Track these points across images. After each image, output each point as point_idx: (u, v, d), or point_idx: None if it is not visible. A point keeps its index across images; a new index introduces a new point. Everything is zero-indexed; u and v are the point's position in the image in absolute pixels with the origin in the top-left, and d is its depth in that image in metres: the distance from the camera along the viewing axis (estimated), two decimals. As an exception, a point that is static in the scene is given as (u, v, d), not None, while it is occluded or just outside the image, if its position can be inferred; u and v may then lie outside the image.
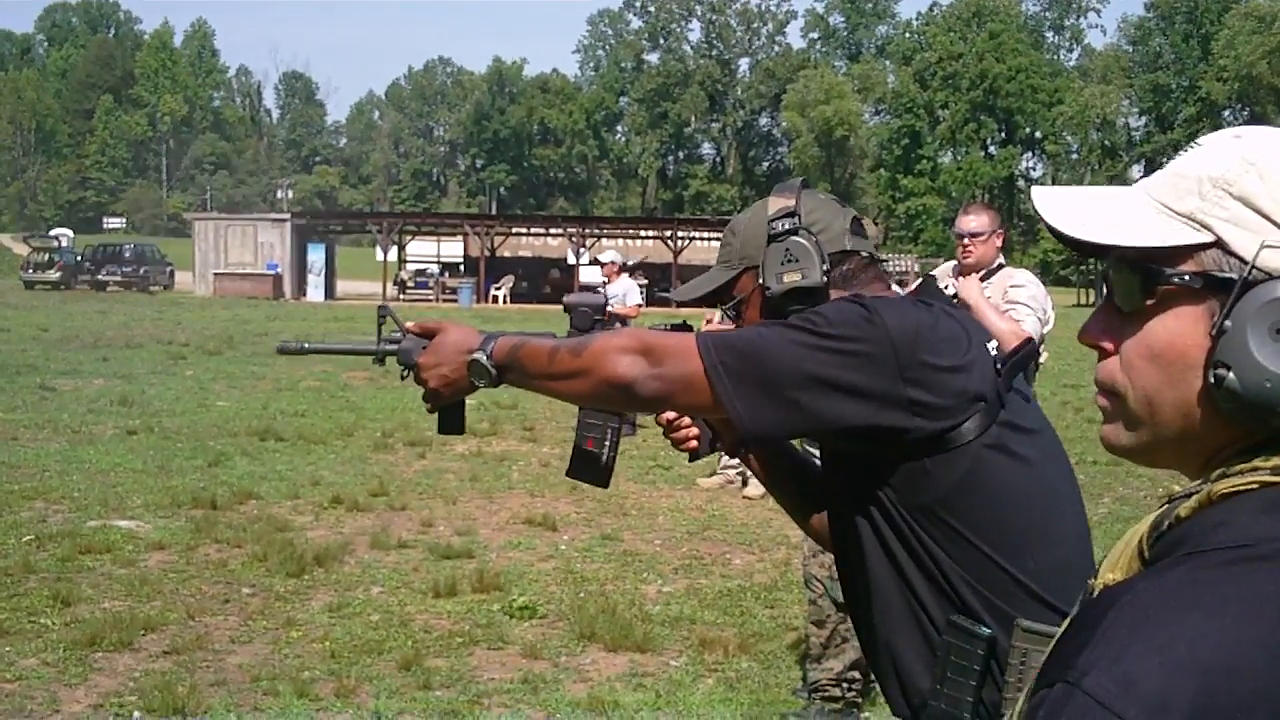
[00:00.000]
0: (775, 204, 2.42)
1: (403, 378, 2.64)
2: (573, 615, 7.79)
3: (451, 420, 2.72)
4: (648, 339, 2.22)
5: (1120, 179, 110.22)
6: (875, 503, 2.22)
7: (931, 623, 2.21)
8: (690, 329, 2.47)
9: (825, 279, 2.33)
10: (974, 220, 6.91)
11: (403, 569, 8.88)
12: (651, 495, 11.74)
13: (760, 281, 2.38)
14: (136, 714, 6.10)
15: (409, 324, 2.65)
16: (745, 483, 12.00)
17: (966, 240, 6.85)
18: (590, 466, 2.64)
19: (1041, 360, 7.28)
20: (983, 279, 6.85)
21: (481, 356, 2.42)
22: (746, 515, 10.99)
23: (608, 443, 2.56)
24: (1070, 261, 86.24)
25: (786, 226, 2.36)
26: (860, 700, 6.15)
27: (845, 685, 6.16)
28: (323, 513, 10.60)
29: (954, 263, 7.03)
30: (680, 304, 2.57)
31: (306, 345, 2.88)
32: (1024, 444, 2.25)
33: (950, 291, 6.91)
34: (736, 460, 11.34)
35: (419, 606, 8.00)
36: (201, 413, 16.17)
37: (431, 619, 7.76)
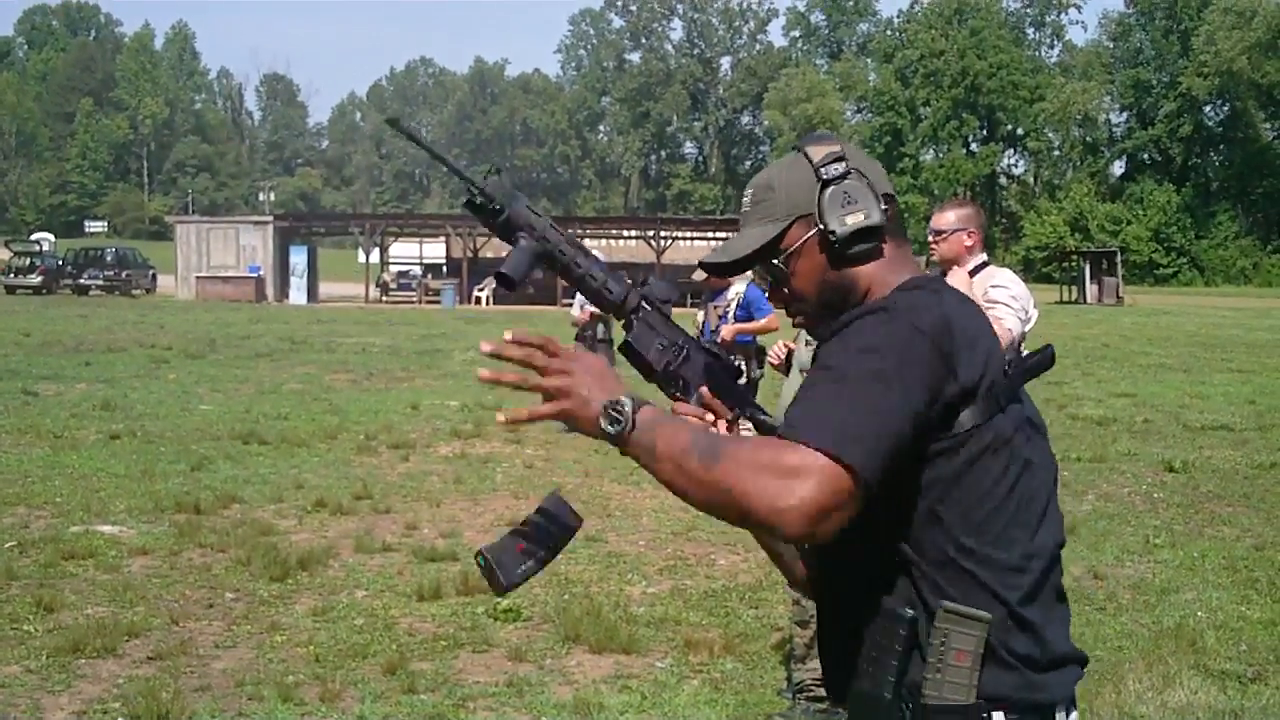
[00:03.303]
0: (819, 151, 2.38)
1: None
2: (557, 617, 7.77)
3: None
4: (782, 457, 2.08)
5: (1102, 175, 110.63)
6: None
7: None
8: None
9: (885, 217, 2.33)
10: (938, 217, 7.00)
11: (387, 572, 8.86)
12: (635, 496, 11.73)
13: (822, 226, 2.34)
14: (120, 720, 6.08)
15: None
16: (739, 376, 11.95)
17: (932, 237, 6.95)
18: (506, 567, 2.35)
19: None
20: (971, 274, 6.89)
21: (628, 405, 2.21)
22: (731, 515, 10.96)
23: (533, 563, 2.44)
24: (1052, 259, 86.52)
25: (841, 170, 2.34)
26: (845, 700, 6.14)
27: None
28: (306, 516, 10.58)
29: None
30: (711, 271, 2.50)
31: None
32: (1027, 445, 2.30)
33: None
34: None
35: (403, 610, 7.99)
36: (184, 416, 16.13)
37: (416, 622, 7.74)
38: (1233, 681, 6.73)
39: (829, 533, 2.06)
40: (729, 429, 2.50)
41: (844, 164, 2.35)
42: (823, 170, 2.35)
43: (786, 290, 2.44)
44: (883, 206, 2.34)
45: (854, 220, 2.32)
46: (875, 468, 2.06)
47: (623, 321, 2.48)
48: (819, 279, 2.39)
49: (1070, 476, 12.81)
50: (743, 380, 8.91)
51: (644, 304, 2.47)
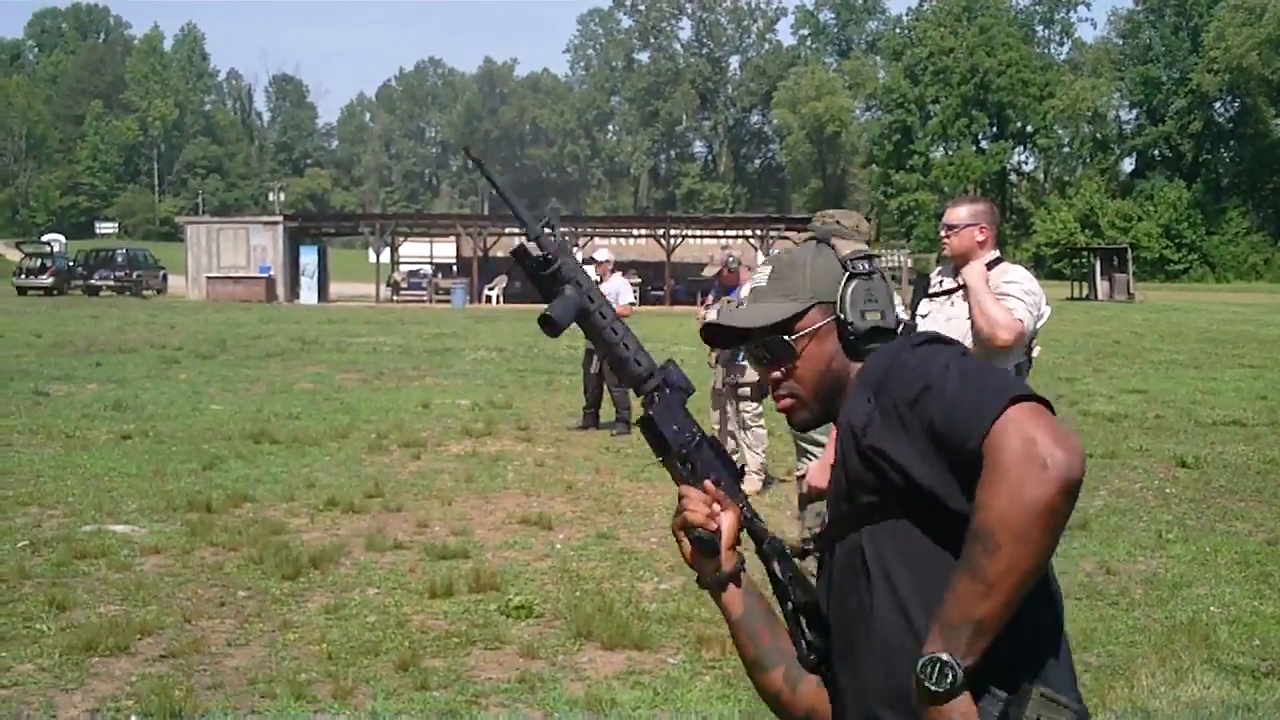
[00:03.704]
0: (846, 246, 2.49)
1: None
2: (569, 614, 7.78)
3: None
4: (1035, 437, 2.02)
5: (1112, 171, 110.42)
6: (900, 522, 2.21)
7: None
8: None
9: (898, 323, 2.43)
10: (951, 212, 7.06)
11: (399, 570, 8.87)
12: (647, 493, 11.74)
13: (840, 316, 2.41)
14: (134, 718, 6.08)
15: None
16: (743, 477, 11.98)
17: (944, 232, 7.01)
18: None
19: (1035, 355, 7.32)
20: (988, 267, 6.92)
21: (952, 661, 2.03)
22: (742, 512, 10.96)
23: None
24: (1063, 255, 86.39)
25: (867, 268, 2.45)
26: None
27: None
28: (318, 515, 10.59)
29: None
30: (717, 338, 2.57)
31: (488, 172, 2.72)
32: None
33: (949, 283, 6.96)
34: (735, 456, 11.34)
35: (415, 607, 7.99)
36: (195, 416, 16.16)
37: (428, 619, 7.75)
38: (1246, 676, 6.72)
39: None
40: (735, 521, 2.52)
41: (871, 262, 2.45)
42: (851, 264, 2.44)
43: (783, 370, 2.47)
44: (895, 313, 2.44)
45: (872, 318, 2.40)
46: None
47: (642, 397, 2.52)
48: (825, 365, 2.43)
49: (1082, 472, 12.79)
50: (755, 378, 8.92)
51: (665, 386, 2.51)
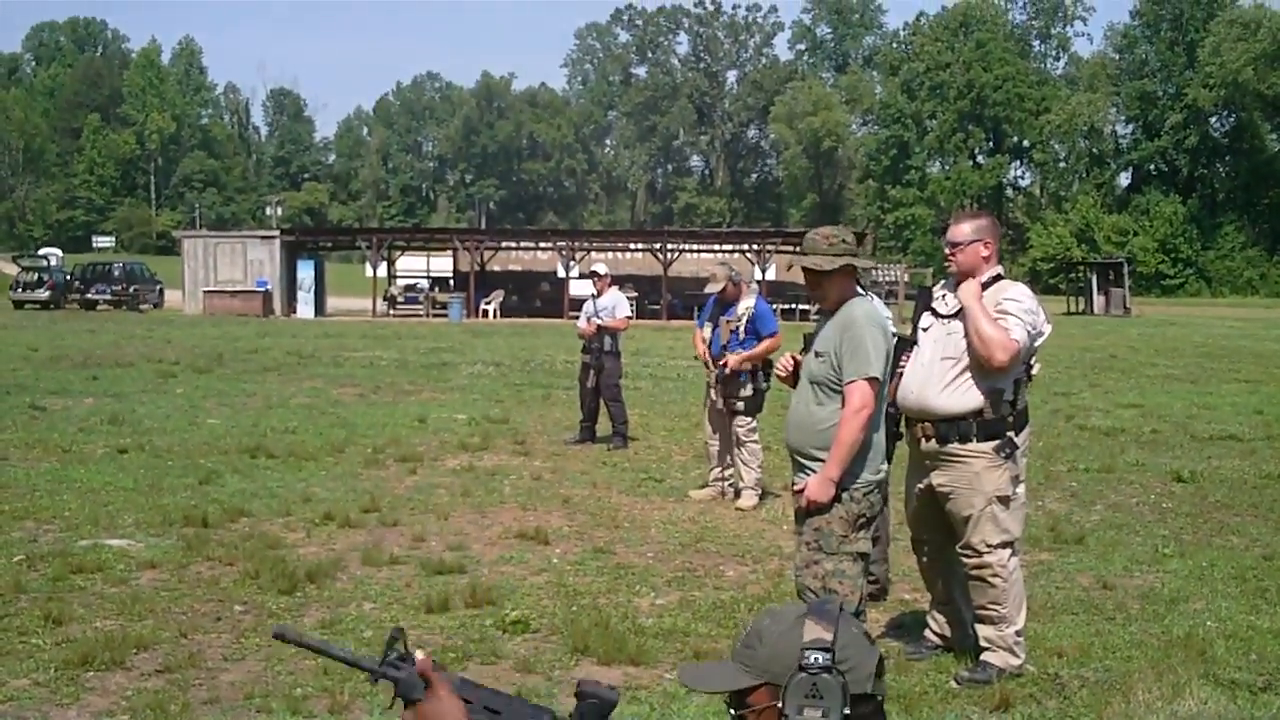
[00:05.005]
0: (812, 630, 2.42)
1: (389, 706, 2.57)
2: (566, 629, 7.77)
3: None
4: None
5: (1108, 186, 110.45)
6: None
7: None
8: None
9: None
10: (954, 229, 7.13)
11: (395, 585, 8.86)
12: (644, 508, 11.73)
13: (780, 706, 2.38)
14: (129, 733, 6.08)
15: (419, 654, 2.52)
16: (738, 494, 12.00)
17: (948, 249, 7.07)
18: None
19: (1034, 372, 7.34)
20: (984, 286, 6.95)
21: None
22: (739, 527, 10.98)
23: None
24: (1059, 270, 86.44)
25: (819, 661, 2.37)
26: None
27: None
28: (314, 529, 10.58)
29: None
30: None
31: (305, 639, 2.72)
32: None
33: (953, 302, 6.99)
34: (729, 472, 11.33)
35: (411, 621, 7.98)
36: (192, 430, 16.15)
37: (424, 634, 7.74)
38: (1242, 691, 6.72)
39: None
40: None
41: (826, 655, 2.37)
42: (804, 654, 2.38)
43: None
44: (845, 711, 2.35)
45: (810, 715, 2.35)
46: None
47: None
48: None
49: (1078, 487, 12.83)
50: (749, 392, 8.92)
51: None
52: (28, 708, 6.40)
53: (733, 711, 2.45)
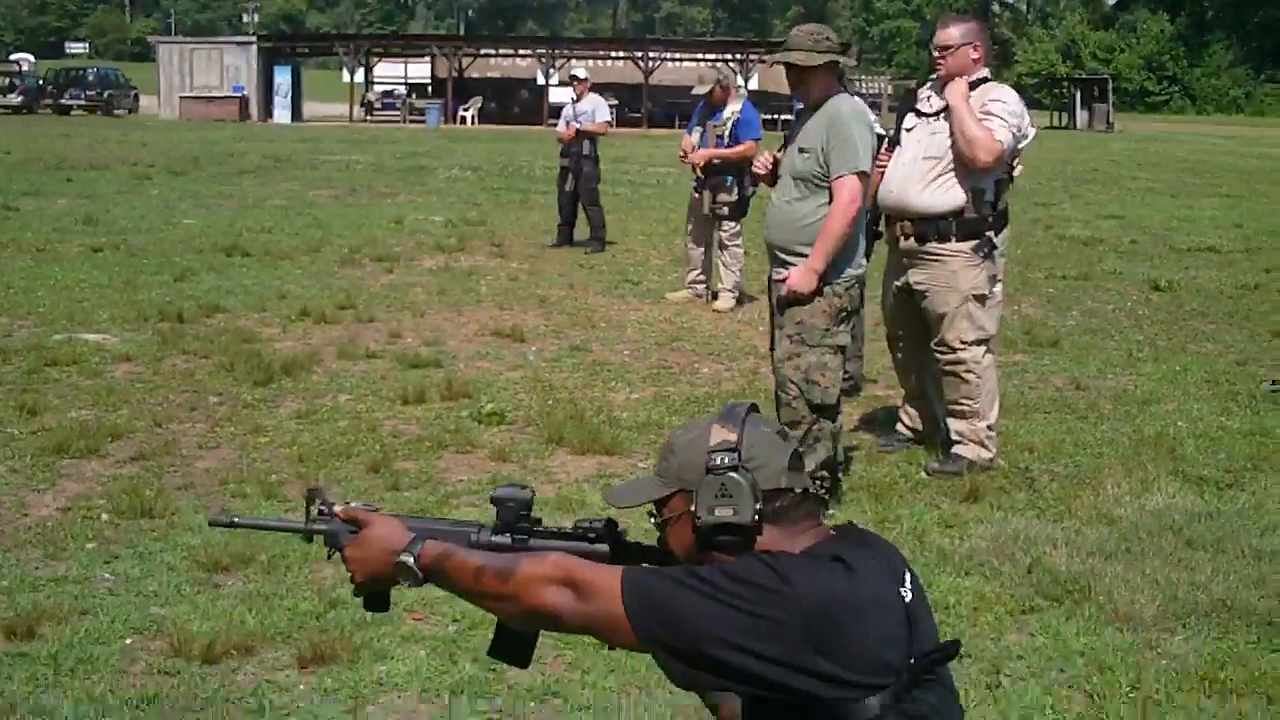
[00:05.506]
0: (717, 434, 2.42)
1: (329, 557, 2.67)
2: (541, 421, 7.81)
3: (377, 601, 2.74)
4: (574, 573, 2.33)
5: (1095, 3, 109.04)
6: None
7: None
8: (619, 539, 2.58)
9: (756, 518, 2.35)
10: (942, 33, 7.06)
11: (371, 377, 8.87)
12: (620, 309, 11.72)
13: (692, 509, 2.38)
14: (105, 516, 6.10)
15: (338, 508, 2.64)
16: (715, 297, 11.99)
17: (937, 54, 7.00)
18: (515, 647, 2.66)
19: (1016, 174, 7.31)
20: (971, 87, 6.89)
21: (408, 560, 2.46)
22: (715, 328, 10.99)
23: None
24: (1043, 85, 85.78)
25: (725, 462, 2.38)
26: (829, 498, 6.19)
27: (817, 483, 6.20)
28: (290, 325, 10.57)
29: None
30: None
31: (236, 519, 2.88)
32: None
33: (938, 103, 6.93)
34: (704, 275, 11.32)
35: (387, 413, 8.01)
36: (168, 230, 16.02)
37: (400, 425, 7.77)
38: (1210, 487, 6.80)
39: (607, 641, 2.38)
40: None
41: (732, 455, 2.37)
42: (711, 457, 2.38)
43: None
44: (757, 506, 2.35)
45: (721, 514, 2.35)
46: (651, 629, 2.26)
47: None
48: (685, 552, 2.44)
49: (1055, 294, 12.86)
50: (734, 197, 8.83)
51: None
52: (3, 493, 6.43)
53: (653, 521, 2.49)
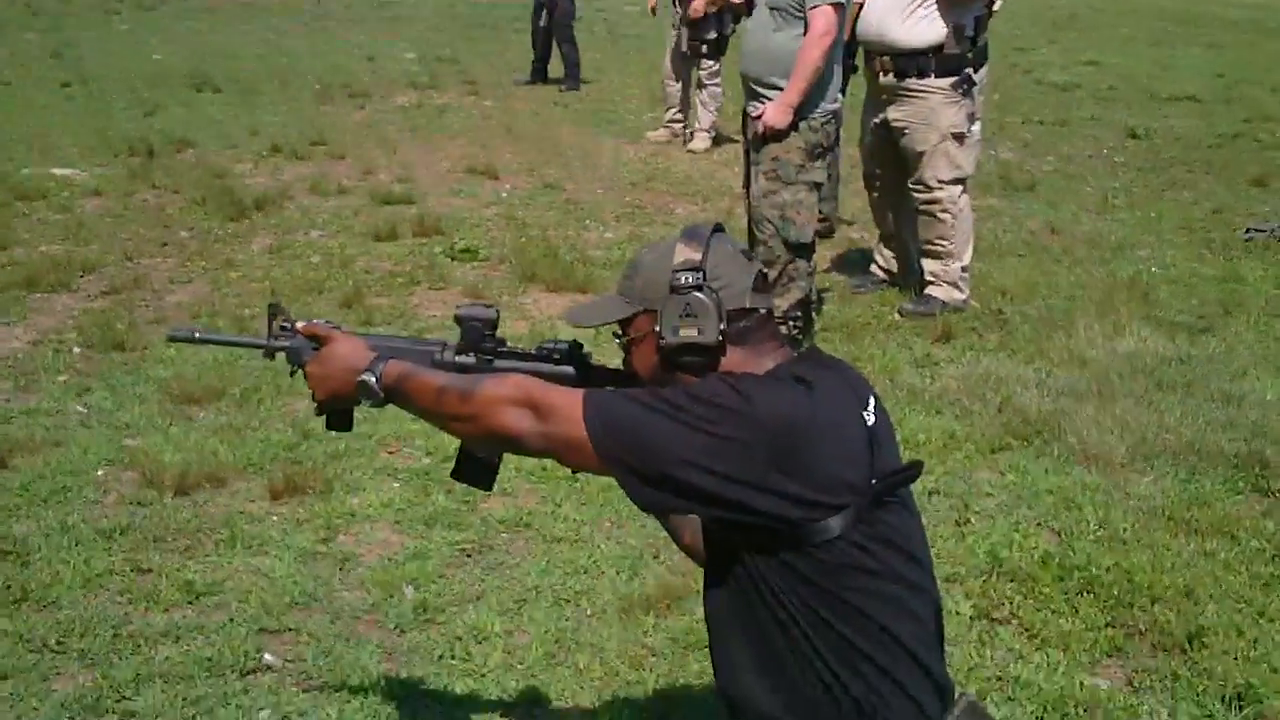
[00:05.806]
0: (681, 253, 2.38)
1: (291, 374, 2.65)
2: (514, 258, 7.78)
3: (339, 420, 2.73)
4: (535, 394, 2.32)
5: None
6: (748, 564, 2.29)
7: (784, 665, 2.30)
8: (583, 361, 2.61)
9: (721, 338, 2.33)
10: None
11: (343, 214, 8.82)
12: (595, 147, 11.62)
13: (656, 329, 2.35)
14: (76, 349, 6.09)
15: (299, 324, 2.63)
16: (692, 136, 11.89)
17: None
18: (478, 470, 2.69)
19: (996, 8, 7.22)
20: None
21: (370, 379, 2.46)
22: (690, 168, 10.92)
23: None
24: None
25: (689, 281, 2.34)
26: (802, 337, 6.21)
27: (791, 323, 6.22)
28: (261, 160, 10.47)
29: None
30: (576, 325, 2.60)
31: (198, 334, 2.85)
32: (893, 560, 2.29)
33: None
34: (681, 113, 11.19)
35: (359, 249, 7.98)
36: (136, 64, 15.77)
37: (372, 261, 7.75)
38: (1182, 331, 6.82)
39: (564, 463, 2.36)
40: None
41: (696, 274, 2.35)
42: (675, 276, 2.35)
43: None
44: (722, 326, 2.33)
45: (685, 334, 2.34)
46: (613, 450, 2.23)
47: None
48: (649, 372, 2.44)
49: (1031, 138, 12.77)
50: (714, 36, 8.62)
51: None
52: (-28, 324, 6.40)
53: (618, 341, 2.48)
